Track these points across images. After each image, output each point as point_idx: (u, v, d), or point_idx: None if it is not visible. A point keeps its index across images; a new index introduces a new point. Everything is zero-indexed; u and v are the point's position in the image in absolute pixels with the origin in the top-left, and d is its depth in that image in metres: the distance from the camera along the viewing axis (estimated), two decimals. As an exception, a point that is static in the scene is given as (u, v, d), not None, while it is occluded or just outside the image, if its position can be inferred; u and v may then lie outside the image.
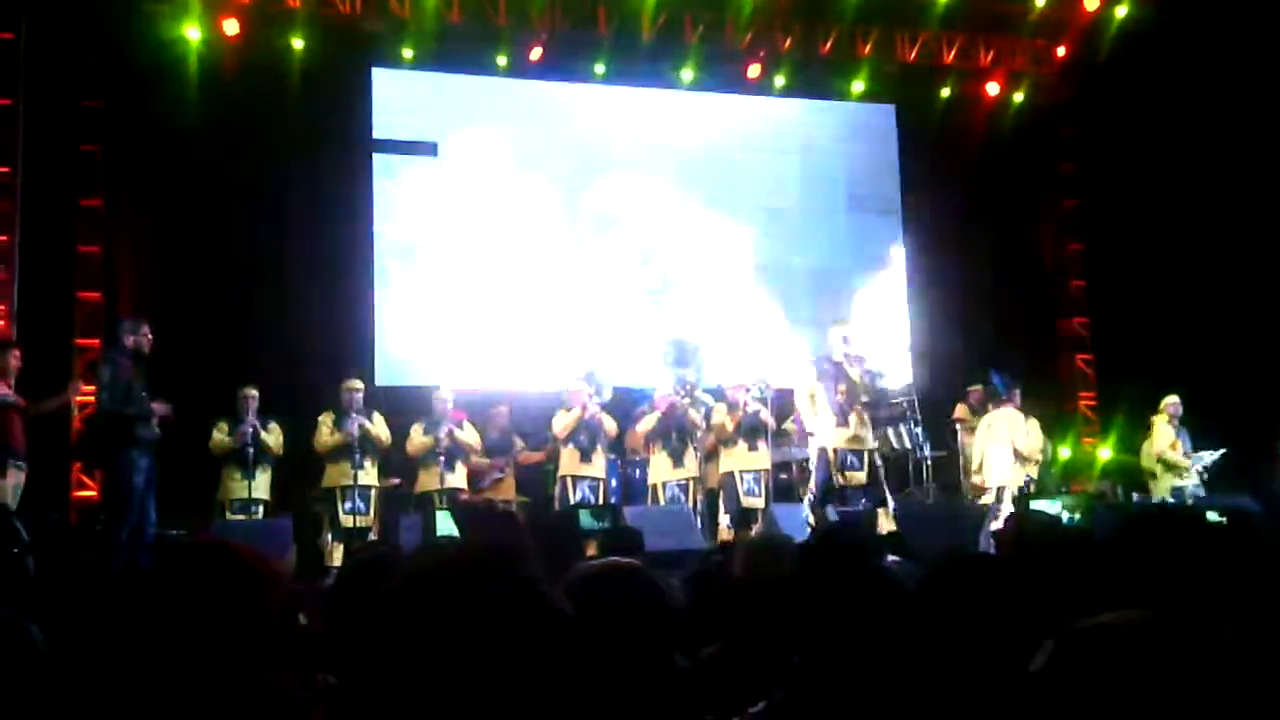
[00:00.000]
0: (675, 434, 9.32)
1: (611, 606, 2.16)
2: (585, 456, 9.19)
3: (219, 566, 1.99)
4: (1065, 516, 9.03)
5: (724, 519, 9.17)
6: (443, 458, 9.12)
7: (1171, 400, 10.32)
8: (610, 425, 9.36)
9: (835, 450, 8.40)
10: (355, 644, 2.32)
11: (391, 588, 1.38)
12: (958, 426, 10.94)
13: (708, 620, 3.20)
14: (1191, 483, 10.15)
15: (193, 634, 1.84)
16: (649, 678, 2.17)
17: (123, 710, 1.83)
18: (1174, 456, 10.17)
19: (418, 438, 9.20)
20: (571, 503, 8.92)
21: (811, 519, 8.26)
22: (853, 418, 8.46)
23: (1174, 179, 11.70)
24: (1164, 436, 10.24)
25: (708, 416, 9.54)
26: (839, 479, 8.38)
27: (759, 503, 9.21)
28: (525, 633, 1.33)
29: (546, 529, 6.20)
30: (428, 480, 9.21)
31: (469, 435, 9.29)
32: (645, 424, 9.38)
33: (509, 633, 1.32)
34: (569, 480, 9.16)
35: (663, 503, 9.22)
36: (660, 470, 9.36)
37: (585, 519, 6.82)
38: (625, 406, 9.91)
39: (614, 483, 9.78)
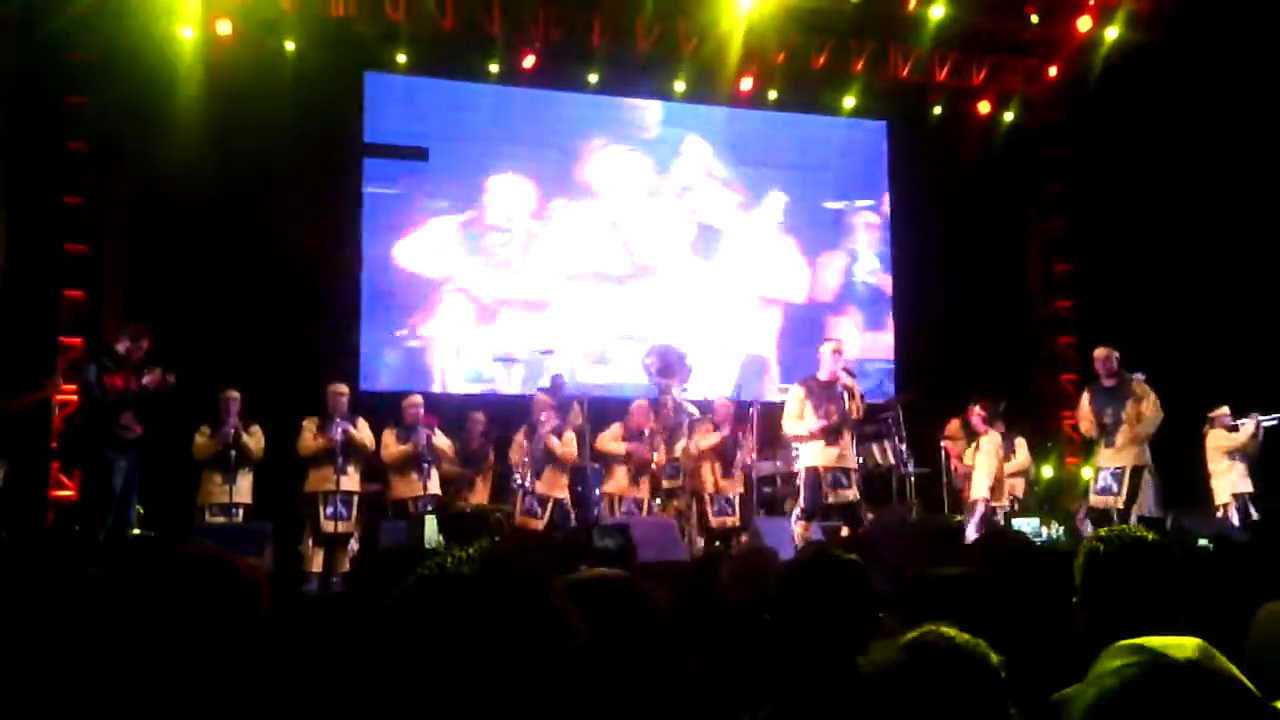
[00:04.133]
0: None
1: (596, 619, 2.14)
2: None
3: (197, 572, 1.95)
4: (1044, 534, 9.06)
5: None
6: (426, 464, 9.07)
7: None
8: (567, 452, 9.37)
9: (825, 469, 8.34)
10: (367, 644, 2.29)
11: (408, 590, 1.35)
12: (944, 444, 10.93)
13: (695, 632, 3.18)
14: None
15: (166, 638, 1.81)
16: (632, 691, 2.15)
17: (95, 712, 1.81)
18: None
19: (393, 445, 9.13)
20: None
21: (797, 534, 8.22)
22: (845, 436, 8.43)
23: (1161, 200, 11.75)
24: None
25: (691, 428, 9.55)
26: (830, 497, 8.33)
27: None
28: (537, 647, 1.30)
29: (558, 548, 6.18)
30: (405, 487, 9.14)
31: (443, 441, 9.25)
32: (613, 444, 9.54)
33: (522, 645, 1.29)
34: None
35: (618, 514, 9.31)
36: (618, 484, 9.57)
37: (598, 539, 6.76)
38: (603, 412, 9.94)
39: (597, 492, 9.73)
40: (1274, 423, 9.97)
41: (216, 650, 1.82)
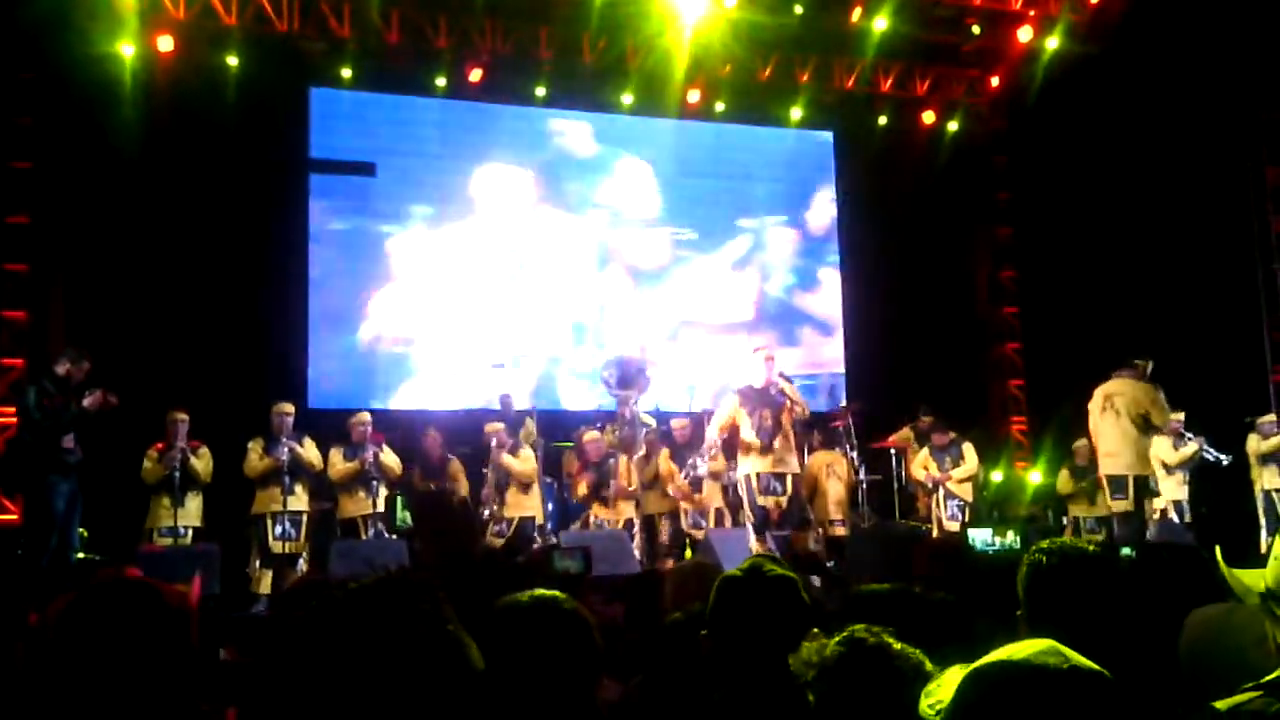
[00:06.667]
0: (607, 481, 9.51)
1: (534, 642, 2.12)
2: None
3: (120, 601, 1.92)
4: (998, 544, 9.08)
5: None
6: (374, 481, 8.98)
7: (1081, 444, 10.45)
8: (524, 469, 9.35)
9: (759, 475, 8.34)
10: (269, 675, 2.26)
11: (304, 622, 1.34)
12: (892, 451, 11.00)
13: (643, 647, 3.16)
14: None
15: (89, 667, 1.78)
16: (569, 714, 2.13)
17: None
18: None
19: (340, 463, 9.04)
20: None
21: (753, 546, 8.18)
22: (778, 442, 8.37)
23: (1106, 206, 11.91)
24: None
25: (648, 441, 9.53)
26: (761, 502, 8.32)
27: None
28: (434, 679, 1.29)
29: (518, 573, 6.17)
30: (353, 506, 9.03)
31: (390, 458, 9.17)
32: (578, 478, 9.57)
33: (417, 678, 1.28)
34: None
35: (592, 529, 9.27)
36: (595, 510, 9.54)
37: (559, 561, 6.75)
38: (562, 430, 9.89)
39: (550, 506, 9.70)
40: (1213, 458, 10.18)
41: (143, 678, 1.79)
